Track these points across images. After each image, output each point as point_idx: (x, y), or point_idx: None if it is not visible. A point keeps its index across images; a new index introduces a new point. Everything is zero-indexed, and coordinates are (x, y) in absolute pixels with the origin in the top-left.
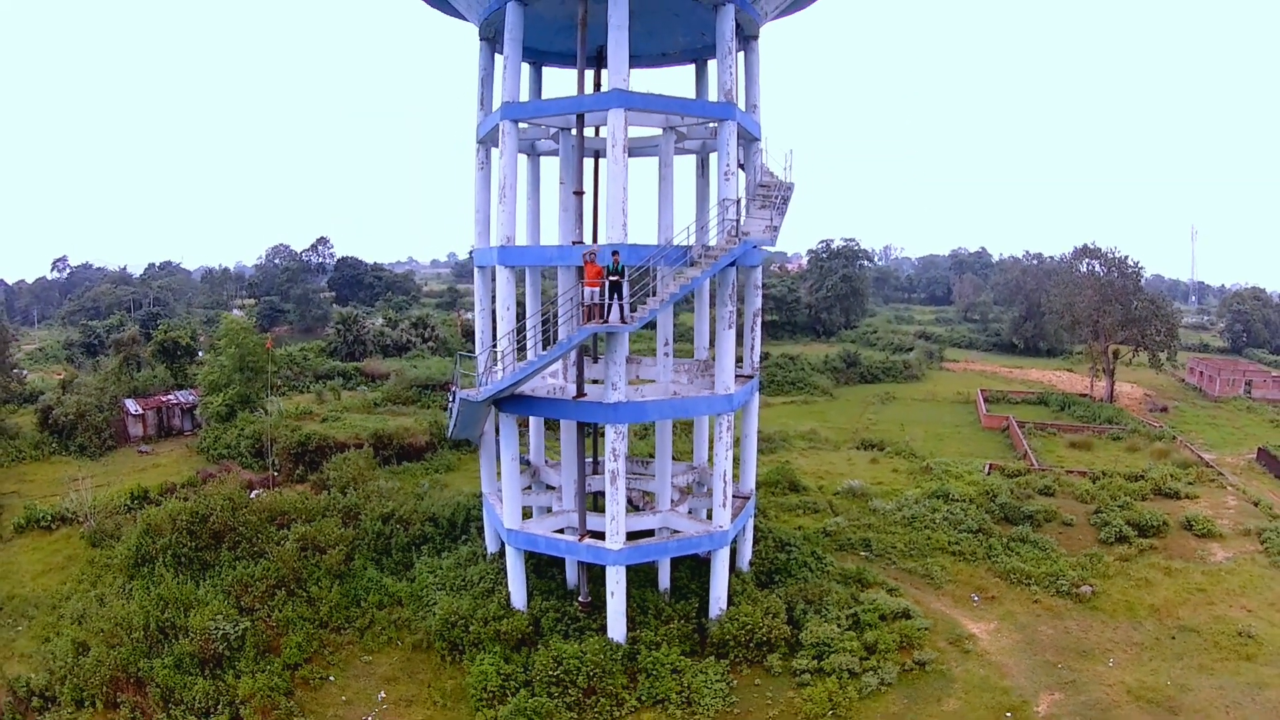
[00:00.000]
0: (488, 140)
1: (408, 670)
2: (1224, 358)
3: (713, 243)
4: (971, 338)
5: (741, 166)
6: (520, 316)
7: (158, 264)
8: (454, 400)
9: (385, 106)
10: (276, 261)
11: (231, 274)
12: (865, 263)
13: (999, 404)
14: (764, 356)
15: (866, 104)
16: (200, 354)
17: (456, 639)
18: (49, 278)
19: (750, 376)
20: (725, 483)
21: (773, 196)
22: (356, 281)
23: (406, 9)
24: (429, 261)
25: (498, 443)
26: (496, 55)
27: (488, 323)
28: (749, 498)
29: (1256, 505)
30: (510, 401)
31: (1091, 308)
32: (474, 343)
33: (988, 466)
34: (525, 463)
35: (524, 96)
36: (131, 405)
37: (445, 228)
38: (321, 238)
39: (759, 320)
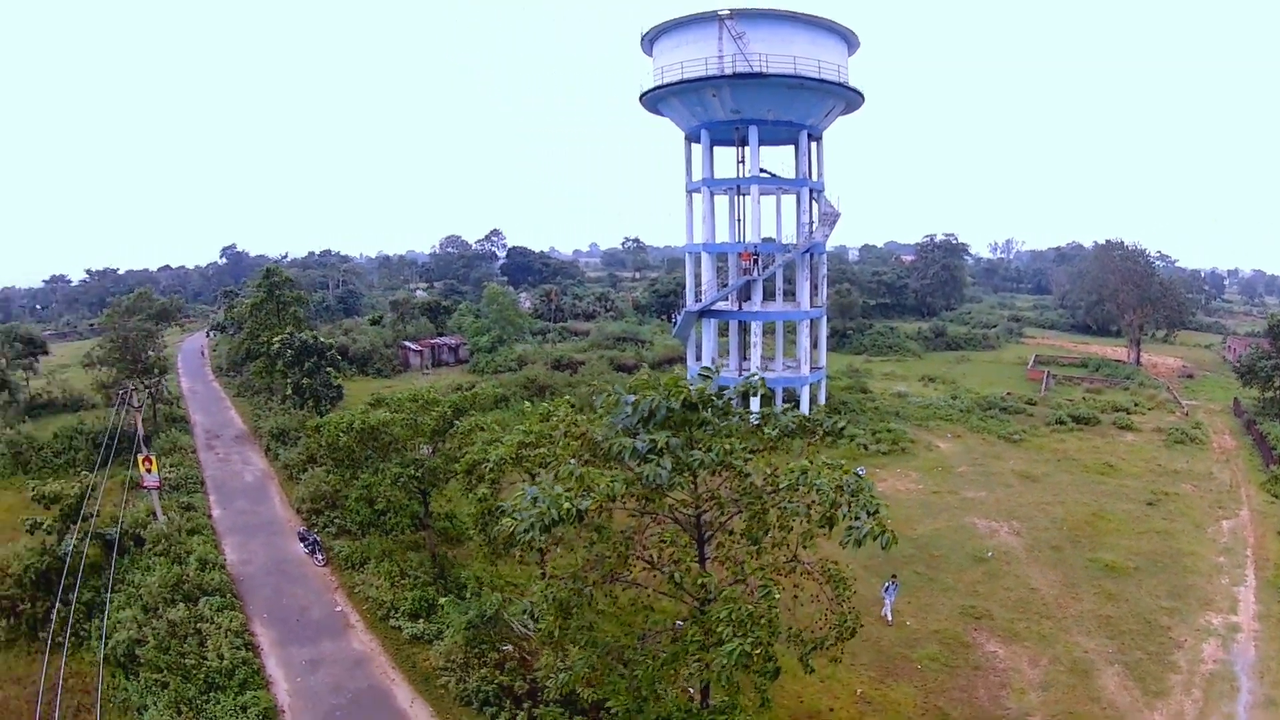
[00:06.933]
0: (691, 191)
1: None
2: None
3: (797, 241)
4: (1056, 320)
5: (816, 201)
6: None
7: (317, 252)
8: (679, 315)
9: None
10: (450, 250)
11: (406, 260)
12: (967, 255)
13: (1048, 365)
14: (869, 327)
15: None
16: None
17: None
18: (219, 263)
19: (820, 307)
20: (806, 354)
21: (829, 218)
22: (526, 268)
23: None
24: (571, 251)
25: (698, 343)
26: (694, 145)
27: (694, 280)
28: (821, 368)
29: (1187, 418)
30: (708, 314)
31: (1113, 290)
32: (641, 311)
33: (1006, 392)
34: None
35: (706, 171)
36: (411, 345)
37: (582, 222)
38: (495, 230)
39: (825, 280)
